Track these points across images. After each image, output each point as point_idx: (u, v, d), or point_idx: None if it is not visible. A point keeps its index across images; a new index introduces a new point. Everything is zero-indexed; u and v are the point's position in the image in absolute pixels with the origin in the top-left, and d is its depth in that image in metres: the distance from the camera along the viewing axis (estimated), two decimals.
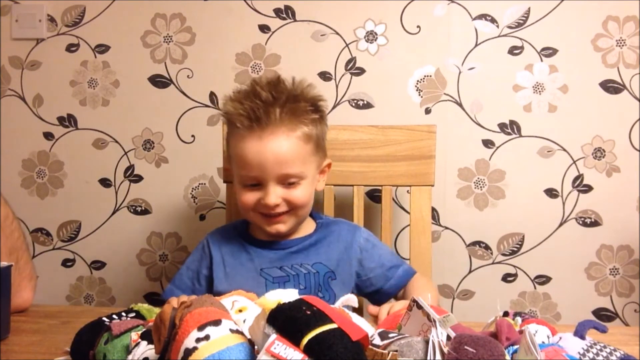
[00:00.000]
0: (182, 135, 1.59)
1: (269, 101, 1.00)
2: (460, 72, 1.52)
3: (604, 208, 1.51)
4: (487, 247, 1.54)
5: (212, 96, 1.58)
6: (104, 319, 0.75)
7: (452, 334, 0.58)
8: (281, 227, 1.05)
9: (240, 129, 1.01)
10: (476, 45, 1.51)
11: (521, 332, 0.63)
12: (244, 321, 0.66)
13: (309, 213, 1.11)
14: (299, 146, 1.02)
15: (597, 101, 1.49)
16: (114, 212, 1.62)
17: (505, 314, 0.79)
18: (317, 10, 1.54)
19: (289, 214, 1.05)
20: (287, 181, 1.02)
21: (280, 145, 1.00)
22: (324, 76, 1.54)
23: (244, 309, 0.69)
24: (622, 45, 1.48)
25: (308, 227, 1.13)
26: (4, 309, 0.90)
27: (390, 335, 0.59)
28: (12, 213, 1.07)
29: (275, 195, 1.01)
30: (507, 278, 1.54)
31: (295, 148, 1.02)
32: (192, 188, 1.60)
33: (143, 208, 1.62)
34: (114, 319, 0.75)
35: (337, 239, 1.11)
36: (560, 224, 1.52)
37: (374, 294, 1.11)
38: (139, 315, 0.78)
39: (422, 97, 1.53)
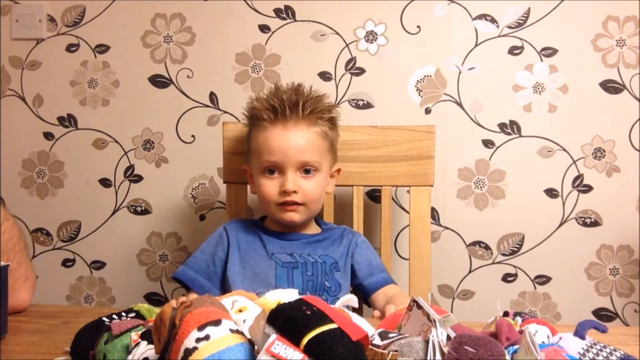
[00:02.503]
0: (182, 135, 1.59)
1: (292, 100, 1.14)
2: (460, 72, 1.52)
3: (604, 208, 1.51)
4: (487, 247, 1.54)
5: (212, 96, 1.58)
6: (104, 319, 0.75)
7: (452, 334, 0.58)
8: (295, 216, 1.15)
9: (265, 122, 1.14)
10: (476, 45, 1.51)
11: (521, 332, 0.63)
12: (244, 321, 0.66)
13: (319, 210, 1.21)
14: (317, 140, 1.15)
15: (597, 101, 1.49)
16: (114, 212, 1.62)
17: (505, 314, 0.79)
18: (317, 10, 1.54)
19: (302, 207, 1.15)
20: (304, 168, 1.14)
21: (301, 135, 1.14)
22: (324, 76, 1.54)
23: (244, 309, 0.69)
24: (622, 45, 1.48)
25: (315, 229, 1.23)
26: (2, 309, 0.90)
27: (390, 335, 0.59)
28: (4, 214, 1.06)
29: (293, 181, 1.12)
30: (507, 278, 1.54)
31: (314, 140, 1.15)
32: (192, 188, 1.60)
33: (143, 208, 1.62)
34: (114, 319, 0.75)
35: (340, 237, 1.21)
36: (560, 224, 1.52)
37: (355, 287, 1.19)
38: (139, 315, 0.78)
39: (422, 97, 1.53)
